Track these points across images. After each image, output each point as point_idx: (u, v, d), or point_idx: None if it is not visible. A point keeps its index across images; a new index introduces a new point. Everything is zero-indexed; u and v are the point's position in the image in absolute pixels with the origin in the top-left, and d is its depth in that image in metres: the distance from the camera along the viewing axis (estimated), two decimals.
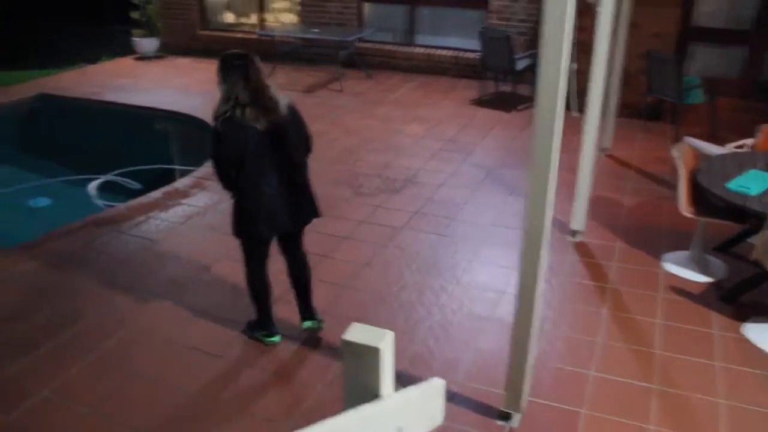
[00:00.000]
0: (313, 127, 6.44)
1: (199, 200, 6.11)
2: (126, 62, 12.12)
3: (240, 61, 3.58)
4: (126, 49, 12.95)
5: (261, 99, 3.58)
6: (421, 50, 10.68)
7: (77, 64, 12.30)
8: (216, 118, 3.59)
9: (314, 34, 10.31)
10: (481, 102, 9.11)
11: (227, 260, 5.00)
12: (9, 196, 7.13)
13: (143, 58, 12.16)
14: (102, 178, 7.05)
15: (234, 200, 3.77)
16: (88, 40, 17.92)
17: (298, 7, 11.68)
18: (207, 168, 6.83)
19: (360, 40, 10.71)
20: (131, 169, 7.25)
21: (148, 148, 8.69)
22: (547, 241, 3.12)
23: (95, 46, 16.04)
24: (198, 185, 6.46)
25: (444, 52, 10.53)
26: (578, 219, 5.36)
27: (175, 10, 12.66)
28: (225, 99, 3.58)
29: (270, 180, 3.68)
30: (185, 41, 12.63)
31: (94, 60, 12.65)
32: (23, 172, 8.16)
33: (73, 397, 3.62)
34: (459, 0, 10.37)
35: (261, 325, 4.08)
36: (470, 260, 5.02)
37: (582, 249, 5.23)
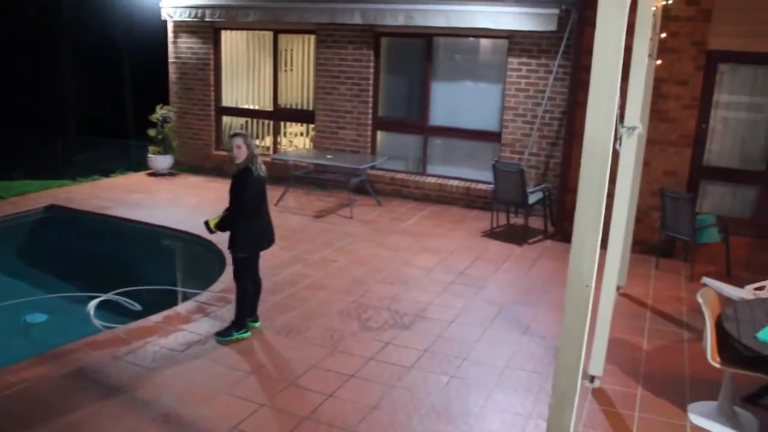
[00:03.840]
0: (321, 254, 6.46)
1: (201, 327, 5.87)
2: (139, 177, 12.22)
3: (246, 133, 5.62)
4: (140, 165, 13.12)
5: (257, 158, 5.55)
6: (433, 180, 10.73)
7: (91, 177, 12.42)
8: (244, 168, 5.46)
9: (327, 160, 10.39)
10: (492, 234, 9.02)
11: (226, 395, 4.72)
12: (5, 310, 6.91)
13: (156, 174, 12.27)
14: (102, 297, 6.85)
15: (241, 228, 5.53)
16: (104, 153, 18.31)
17: (313, 133, 11.87)
18: (210, 293, 6.67)
19: (372, 167, 10.79)
20: (133, 288, 7.06)
21: (153, 267, 8.55)
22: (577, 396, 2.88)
23: (111, 159, 16.34)
24: (201, 310, 6.24)
25: (456, 183, 10.57)
26: (596, 363, 5.08)
27: (192, 130, 12.90)
28: (250, 157, 5.47)
29: (265, 211, 5.73)
30: (199, 160, 12.81)
31: (108, 173, 12.79)
32: (24, 284, 8.01)
33: None
34: (472, 133, 10.51)
35: (239, 325, 5.67)
36: (483, 405, 4.72)
37: (601, 396, 4.93)
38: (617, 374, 5.23)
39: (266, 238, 5.75)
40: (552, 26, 9.24)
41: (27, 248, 9.32)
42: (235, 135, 5.56)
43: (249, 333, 5.72)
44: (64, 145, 20.40)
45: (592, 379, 5.08)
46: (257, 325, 5.89)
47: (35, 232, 9.50)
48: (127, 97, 25.10)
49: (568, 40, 9.16)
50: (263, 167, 5.59)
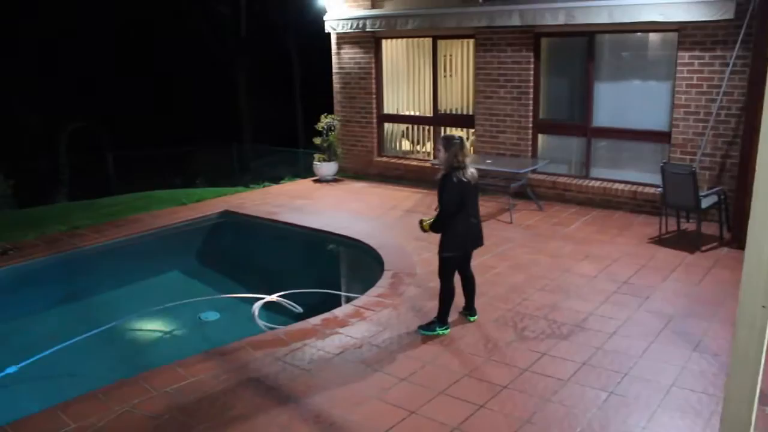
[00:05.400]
0: (480, 260, 6.34)
1: (357, 331, 5.92)
2: (305, 184, 12.67)
3: (458, 140, 5.64)
4: (308, 172, 13.61)
5: (466, 164, 5.65)
6: (597, 183, 10.22)
7: (262, 183, 13.06)
8: (444, 174, 5.64)
9: (487, 164, 10.19)
10: (660, 240, 8.42)
11: (377, 401, 4.71)
12: (184, 307, 7.38)
13: (321, 180, 12.66)
14: (266, 298, 7.12)
15: (449, 230, 5.71)
16: (276, 161, 19.25)
17: (473, 137, 11.72)
18: (368, 297, 6.72)
19: (533, 171, 10.46)
20: (295, 291, 7.28)
21: (315, 270, 8.81)
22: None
23: (281, 167, 17.14)
24: (358, 314, 6.29)
25: (621, 186, 10.00)
26: None
27: (355, 138, 13.19)
28: (447, 162, 5.61)
29: (473, 215, 5.77)
30: (362, 167, 13.07)
31: (277, 180, 13.39)
32: (201, 284, 8.53)
33: None
34: (638, 133, 9.90)
35: (441, 321, 5.87)
36: (644, 427, 4.36)
37: None
38: None
39: (471, 240, 5.87)
40: (729, 14, 8.46)
41: (204, 251, 9.93)
42: (440, 138, 5.88)
43: (449, 330, 5.89)
44: (239, 154, 21.69)
45: None
46: (473, 318, 6.11)
47: (211, 236, 10.09)
48: (298, 107, 26.26)
49: (748, 28, 8.35)
50: (469, 173, 5.65)
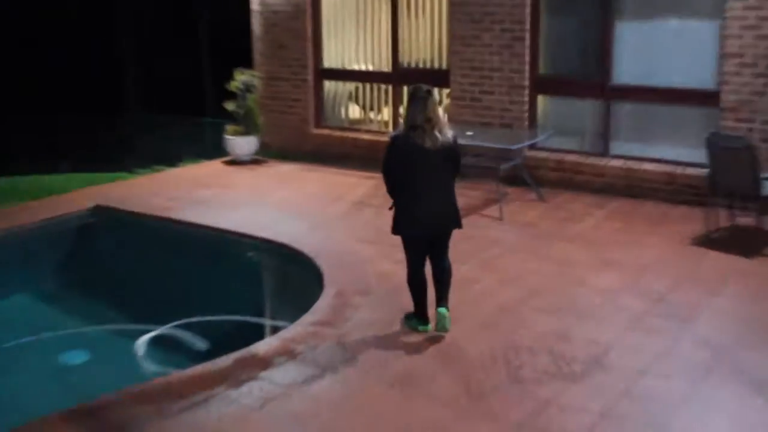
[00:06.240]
0: (458, 271, 6.29)
1: (285, 375, 5.81)
2: (214, 167, 12.60)
3: (423, 94, 6.07)
4: (217, 150, 13.41)
5: (430, 125, 6.00)
6: (619, 163, 10.34)
7: (152, 167, 12.84)
8: (394, 135, 6.31)
9: (467, 138, 10.13)
10: (707, 241, 8.52)
11: None
12: (36, 346, 7.25)
13: (236, 162, 12.54)
14: (156, 331, 7.06)
15: (395, 205, 6.28)
16: (171, 135, 18.93)
17: (447, 100, 11.69)
18: (300, 327, 6.64)
19: (531, 147, 10.48)
20: (198, 319, 7.24)
21: (226, 289, 8.64)
22: None
23: (179, 143, 16.85)
24: (286, 351, 6.17)
25: (652, 166, 10.13)
26: None
27: (283, 102, 13.07)
28: (404, 120, 6.23)
29: (427, 190, 6.15)
30: (293, 142, 12.99)
31: (174, 162, 13.16)
32: (59, 313, 8.35)
33: None
34: (675, 93, 9.98)
35: (416, 315, 6.49)
36: None
37: None
38: None
39: (417, 222, 6.23)
40: None
41: (66, 264, 9.71)
42: None
43: (429, 327, 6.41)
44: (121, 126, 21.35)
45: None
46: (427, 328, 6.42)
47: (76, 243, 9.92)
48: (204, 61, 25.98)
49: None
50: (430, 139, 6.03)
